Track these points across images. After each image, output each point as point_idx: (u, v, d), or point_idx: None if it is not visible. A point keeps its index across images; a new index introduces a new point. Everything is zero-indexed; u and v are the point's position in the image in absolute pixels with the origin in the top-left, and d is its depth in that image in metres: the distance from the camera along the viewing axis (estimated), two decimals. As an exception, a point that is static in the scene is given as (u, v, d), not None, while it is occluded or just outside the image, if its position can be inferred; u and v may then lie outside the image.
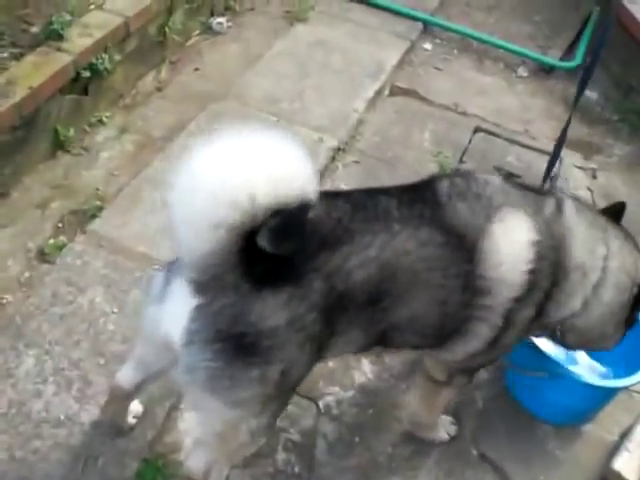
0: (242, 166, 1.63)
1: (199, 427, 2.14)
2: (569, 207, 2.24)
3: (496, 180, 2.21)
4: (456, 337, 2.18)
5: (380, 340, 2.16)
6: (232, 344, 1.80)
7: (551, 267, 2.14)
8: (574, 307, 2.25)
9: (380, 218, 2.00)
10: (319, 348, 1.96)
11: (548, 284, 2.16)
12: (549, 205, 2.20)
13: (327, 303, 1.87)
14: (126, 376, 2.35)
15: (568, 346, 2.55)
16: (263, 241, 1.66)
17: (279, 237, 1.67)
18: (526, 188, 2.26)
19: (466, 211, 2.07)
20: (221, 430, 2.05)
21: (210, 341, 1.80)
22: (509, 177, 2.26)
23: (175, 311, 1.86)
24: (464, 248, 2.04)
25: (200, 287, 1.79)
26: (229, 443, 2.09)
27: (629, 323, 2.46)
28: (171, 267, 1.97)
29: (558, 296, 2.20)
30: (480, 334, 2.16)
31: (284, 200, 1.62)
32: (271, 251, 1.69)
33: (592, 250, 2.23)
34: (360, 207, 2.00)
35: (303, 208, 1.66)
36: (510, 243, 2.06)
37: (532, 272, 2.08)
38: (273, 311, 1.79)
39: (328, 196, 1.94)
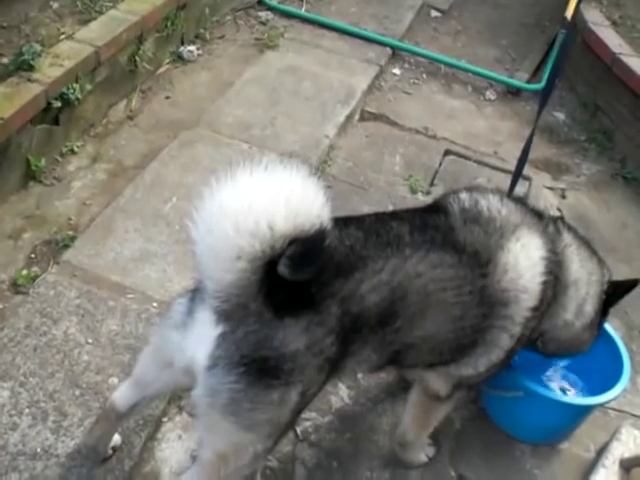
0: (261, 197, 1.70)
1: (204, 449, 2.14)
2: (563, 227, 2.44)
3: (510, 202, 2.32)
4: (479, 349, 2.28)
5: (393, 360, 2.26)
6: (255, 368, 1.87)
7: (554, 281, 2.30)
8: (566, 319, 2.41)
9: (392, 244, 2.08)
10: (333, 369, 2.03)
11: (552, 296, 2.31)
12: (550, 225, 2.38)
13: (342, 326, 1.95)
14: (122, 396, 2.35)
15: (546, 354, 2.63)
16: (283, 268, 1.73)
17: (298, 263, 1.74)
18: (532, 210, 2.39)
19: (480, 232, 2.20)
20: (227, 452, 2.07)
21: (234, 365, 1.86)
22: (519, 200, 2.42)
23: (200, 337, 1.91)
24: (478, 265, 2.16)
25: (224, 315, 1.86)
26: (229, 465, 2.10)
27: (599, 328, 2.61)
28: (193, 295, 2.02)
29: (555, 308, 2.36)
30: (501, 344, 2.27)
31: (302, 227, 1.69)
32: (291, 278, 1.76)
33: (584, 266, 2.41)
34: (372, 233, 2.08)
35: (320, 234, 1.73)
36: (527, 258, 2.21)
37: (544, 284, 2.23)
38: (295, 336, 1.87)
39: (340, 223, 2.00)
